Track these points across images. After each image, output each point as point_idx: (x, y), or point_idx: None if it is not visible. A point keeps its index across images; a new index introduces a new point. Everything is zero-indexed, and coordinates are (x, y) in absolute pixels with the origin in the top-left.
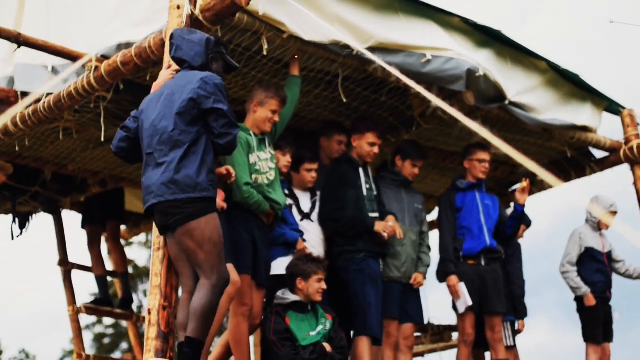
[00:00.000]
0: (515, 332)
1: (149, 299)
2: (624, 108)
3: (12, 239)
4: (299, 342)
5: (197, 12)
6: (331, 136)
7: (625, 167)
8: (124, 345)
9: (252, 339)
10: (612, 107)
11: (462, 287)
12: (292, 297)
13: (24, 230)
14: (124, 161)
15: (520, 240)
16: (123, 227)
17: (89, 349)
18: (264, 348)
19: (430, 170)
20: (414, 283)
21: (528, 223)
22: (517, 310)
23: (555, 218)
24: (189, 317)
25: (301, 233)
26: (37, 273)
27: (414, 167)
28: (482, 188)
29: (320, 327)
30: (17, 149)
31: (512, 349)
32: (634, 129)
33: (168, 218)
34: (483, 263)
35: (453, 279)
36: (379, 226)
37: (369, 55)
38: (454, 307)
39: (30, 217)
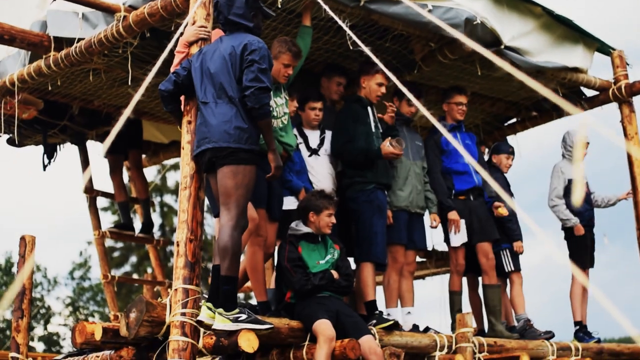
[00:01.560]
0: (515, 256)
1: (177, 233)
2: (614, 49)
3: (44, 169)
4: (309, 269)
5: None
6: (331, 77)
7: (614, 105)
8: (133, 259)
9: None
10: (603, 48)
11: (462, 224)
12: (305, 229)
13: (52, 160)
14: (163, 102)
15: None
16: (143, 156)
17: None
18: (278, 273)
19: (432, 106)
20: (434, 224)
21: (508, 150)
22: (509, 236)
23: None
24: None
25: (307, 183)
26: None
27: (410, 106)
28: (461, 129)
29: (328, 257)
30: (49, 87)
31: (515, 272)
32: (622, 70)
33: (222, 160)
34: (472, 198)
35: (454, 214)
36: (385, 150)
37: (375, 5)
38: (446, 240)
39: (57, 148)
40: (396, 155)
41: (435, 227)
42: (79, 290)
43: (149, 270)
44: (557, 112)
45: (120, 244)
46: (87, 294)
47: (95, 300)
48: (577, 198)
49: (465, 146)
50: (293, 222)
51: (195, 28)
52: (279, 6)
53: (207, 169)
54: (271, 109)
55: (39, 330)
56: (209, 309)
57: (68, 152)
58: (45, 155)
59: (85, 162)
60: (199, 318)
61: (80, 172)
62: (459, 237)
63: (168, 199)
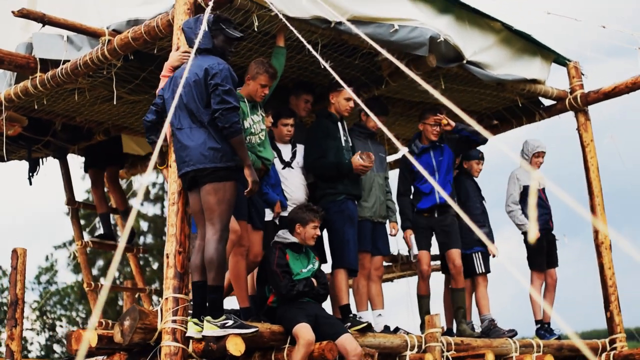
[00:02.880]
0: (486, 259)
1: (166, 246)
2: (570, 61)
3: (30, 184)
4: (294, 276)
5: (199, 0)
6: (299, 95)
7: (570, 114)
8: (100, 262)
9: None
10: (560, 60)
11: (412, 239)
12: (291, 238)
13: (34, 174)
14: (146, 132)
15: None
16: (122, 170)
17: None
18: (263, 278)
19: (398, 117)
20: (393, 232)
21: (478, 156)
22: (481, 241)
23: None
24: (202, 263)
25: (282, 196)
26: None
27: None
28: (436, 147)
29: (310, 266)
30: (35, 106)
31: (481, 275)
32: (578, 80)
33: (201, 179)
34: (436, 215)
35: (407, 232)
36: (355, 163)
37: (344, 27)
38: (408, 257)
39: (40, 162)
40: (366, 168)
41: (395, 235)
42: (46, 294)
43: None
44: (517, 120)
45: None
46: (54, 298)
47: (62, 304)
48: (532, 236)
49: (439, 162)
50: (280, 230)
51: (179, 53)
52: (255, 29)
53: (189, 187)
54: (248, 126)
55: (4, 335)
56: (196, 324)
57: (50, 165)
58: (29, 170)
59: (66, 175)
60: (187, 335)
61: (62, 185)
62: (412, 251)
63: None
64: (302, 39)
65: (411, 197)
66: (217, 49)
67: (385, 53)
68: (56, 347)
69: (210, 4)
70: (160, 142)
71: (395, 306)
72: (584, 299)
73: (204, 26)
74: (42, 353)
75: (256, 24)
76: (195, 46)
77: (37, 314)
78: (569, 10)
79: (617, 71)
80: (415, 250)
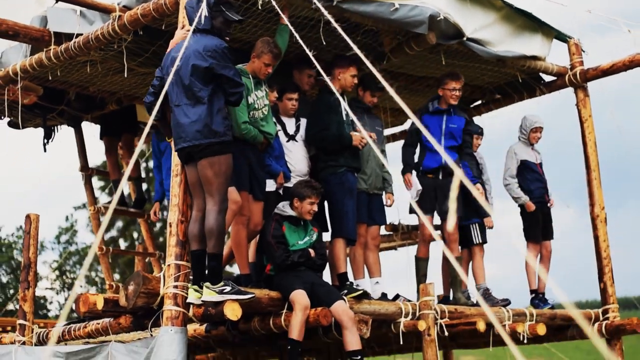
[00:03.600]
0: (483, 230)
1: (169, 215)
2: (571, 38)
3: (45, 150)
4: (290, 247)
5: None
6: (302, 70)
7: (570, 90)
8: (119, 224)
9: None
10: (561, 36)
11: (414, 178)
12: (289, 212)
13: (50, 140)
14: (149, 113)
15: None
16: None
17: (85, 227)
18: (261, 247)
19: (402, 91)
20: (389, 202)
21: (477, 130)
22: (479, 213)
23: None
24: (201, 232)
25: (285, 167)
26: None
27: (372, 97)
28: (450, 112)
29: (307, 238)
30: (49, 77)
31: (478, 245)
32: (578, 57)
33: (197, 154)
34: (440, 177)
35: (407, 175)
36: (356, 139)
37: (347, 5)
38: (413, 211)
39: (55, 130)
40: (365, 143)
41: (390, 205)
42: (66, 254)
43: (135, 235)
44: (518, 95)
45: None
46: (73, 258)
47: (81, 264)
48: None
49: (450, 129)
50: (280, 202)
51: (184, 31)
52: (259, 7)
53: (185, 161)
54: (252, 101)
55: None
56: (196, 290)
57: (65, 133)
58: (44, 137)
59: (81, 143)
60: (187, 300)
61: (77, 152)
62: (414, 190)
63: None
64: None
65: (417, 151)
66: (215, 30)
67: None
68: (68, 303)
69: None
70: (151, 120)
71: (399, 274)
72: (580, 269)
73: (203, 6)
74: (61, 312)
75: (260, 2)
76: (194, 25)
77: (57, 274)
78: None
79: (608, 50)
80: (418, 186)
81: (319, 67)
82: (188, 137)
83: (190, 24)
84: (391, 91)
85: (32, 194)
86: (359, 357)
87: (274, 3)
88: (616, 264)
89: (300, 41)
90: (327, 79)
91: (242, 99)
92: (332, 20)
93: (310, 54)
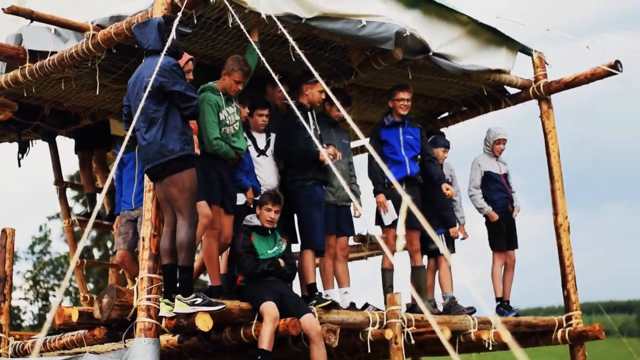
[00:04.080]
0: (449, 240)
1: (142, 229)
2: (535, 51)
3: (19, 165)
4: (259, 257)
5: (176, 0)
6: (275, 85)
7: (534, 102)
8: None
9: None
10: (525, 50)
11: (389, 204)
12: (256, 222)
13: (24, 155)
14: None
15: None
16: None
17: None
18: (232, 259)
19: (370, 104)
20: (357, 214)
21: (444, 144)
22: (444, 223)
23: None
24: (171, 247)
25: (255, 182)
26: None
27: (338, 111)
28: (405, 124)
29: (276, 248)
30: (24, 93)
31: (444, 255)
32: (542, 69)
33: (159, 173)
34: (404, 187)
35: (381, 196)
36: (323, 155)
37: (315, 22)
38: (379, 222)
39: (29, 145)
40: (331, 159)
41: (358, 216)
42: (40, 265)
43: (108, 244)
44: (484, 107)
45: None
46: (47, 268)
47: (55, 274)
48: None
49: (407, 140)
50: (248, 215)
51: None
52: (230, 25)
53: (153, 180)
54: (223, 118)
55: None
56: (167, 304)
57: (40, 147)
58: (19, 152)
59: (55, 157)
60: (160, 314)
61: (51, 166)
62: (389, 216)
63: None
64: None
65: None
66: (169, 49)
67: None
68: (49, 317)
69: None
70: (121, 151)
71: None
72: (550, 276)
73: (172, 32)
74: (35, 322)
75: (231, 20)
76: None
77: (31, 284)
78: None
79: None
80: (393, 215)
81: (282, 87)
82: (149, 158)
83: (141, 48)
84: (343, 111)
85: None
86: None
87: (241, 25)
88: (592, 269)
89: (267, 65)
90: (289, 98)
91: (197, 112)
92: (295, 45)
93: (274, 74)
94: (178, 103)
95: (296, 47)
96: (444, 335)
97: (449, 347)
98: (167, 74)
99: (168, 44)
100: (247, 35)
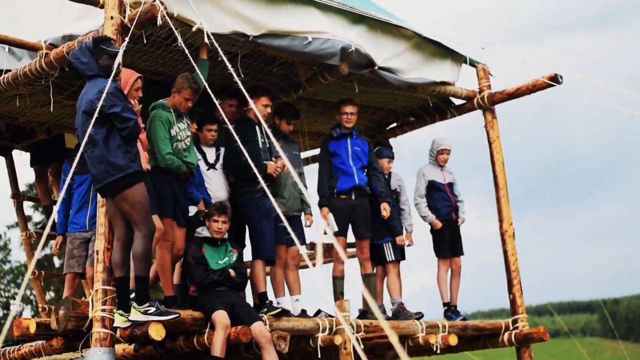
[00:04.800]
0: (396, 248)
1: (96, 243)
2: (479, 63)
3: None
4: (210, 267)
5: (125, 20)
6: (224, 99)
7: (479, 112)
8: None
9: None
10: (470, 62)
11: (330, 217)
12: (206, 233)
13: None
14: None
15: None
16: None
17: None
18: (184, 269)
19: (319, 116)
20: (308, 223)
21: (388, 154)
22: (390, 232)
23: None
24: (123, 260)
25: (206, 194)
26: None
27: (288, 125)
28: (353, 136)
29: (226, 258)
30: None
31: (396, 262)
32: (486, 81)
33: (109, 192)
34: (353, 197)
35: (324, 210)
36: (270, 168)
37: (262, 40)
38: (325, 232)
39: None
40: (278, 172)
41: (309, 226)
42: (0, 273)
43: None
44: (430, 118)
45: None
46: (7, 277)
47: (15, 283)
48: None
49: (355, 151)
50: (199, 227)
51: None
52: (180, 43)
53: (104, 196)
54: (174, 134)
55: None
56: (121, 315)
57: None
58: None
59: (11, 171)
60: (114, 325)
61: (8, 179)
62: (329, 228)
63: None
64: (223, 56)
65: (331, 178)
66: (103, 69)
67: None
68: (4, 330)
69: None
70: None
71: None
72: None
73: (118, 58)
74: None
75: (179, 38)
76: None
77: None
78: (451, 32)
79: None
80: (334, 227)
81: (217, 103)
82: (97, 178)
83: (79, 74)
84: (256, 110)
85: None
86: None
87: (185, 48)
88: (548, 270)
89: (207, 87)
90: (222, 112)
91: (135, 132)
92: (234, 73)
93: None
94: (116, 124)
95: (232, 71)
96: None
97: (399, 348)
98: (106, 97)
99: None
100: (191, 57)
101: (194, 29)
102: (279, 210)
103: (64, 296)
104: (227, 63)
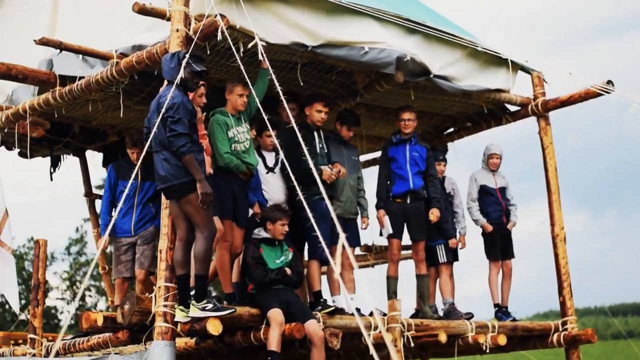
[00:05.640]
0: (448, 250)
1: (160, 242)
2: (534, 71)
3: (51, 179)
4: (268, 266)
5: (190, 33)
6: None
7: (533, 119)
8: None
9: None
10: (525, 69)
11: (386, 219)
12: (264, 234)
13: (56, 169)
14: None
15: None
16: None
17: None
18: (243, 269)
19: (378, 121)
20: (364, 226)
21: (439, 157)
22: (443, 234)
23: None
24: (184, 258)
25: (261, 197)
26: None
27: (349, 131)
28: (412, 141)
29: (282, 257)
30: (55, 114)
31: (448, 264)
32: (540, 88)
33: (174, 193)
34: (408, 201)
35: (381, 212)
36: (325, 174)
37: (321, 49)
38: (381, 234)
39: (61, 159)
40: (333, 179)
41: (365, 228)
42: (76, 265)
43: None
44: (486, 124)
45: None
46: (83, 269)
47: (91, 275)
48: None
49: (413, 156)
50: (256, 228)
51: None
52: (241, 54)
53: (167, 197)
54: (232, 135)
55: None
56: (181, 310)
57: (70, 162)
58: (51, 166)
59: (85, 170)
60: (175, 320)
61: (81, 179)
62: (385, 230)
63: None
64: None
65: (388, 182)
66: (182, 81)
67: None
68: (64, 324)
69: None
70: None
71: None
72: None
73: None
74: (72, 322)
75: (242, 49)
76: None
77: (67, 284)
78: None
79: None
80: (389, 229)
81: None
82: (163, 178)
83: (164, 76)
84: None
85: (40, 206)
86: None
87: (240, 63)
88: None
89: (278, 87)
90: (288, 110)
91: (187, 151)
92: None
93: (284, 99)
94: (169, 136)
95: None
96: (440, 339)
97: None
98: (172, 111)
99: (178, 78)
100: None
101: (250, 45)
102: (333, 215)
103: (115, 302)
104: (272, 74)
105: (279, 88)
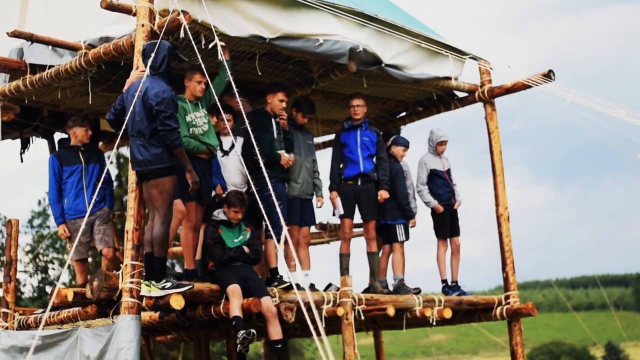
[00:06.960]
0: (407, 230)
1: (126, 223)
2: (481, 59)
3: (22, 161)
4: (227, 245)
5: (155, 27)
6: (240, 95)
7: (480, 105)
8: None
9: None
10: (472, 57)
11: (338, 200)
12: (222, 216)
13: (25, 150)
14: (110, 124)
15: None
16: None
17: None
18: (203, 249)
19: (334, 106)
20: (319, 205)
21: (404, 143)
22: (405, 215)
23: None
24: (151, 240)
25: (222, 180)
26: None
27: (304, 118)
28: (362, 127)
29: (241, 237)
30: (25, 99)
31: (399, 242)
32: (487, 76)
33: (146, 176)
34: (359, 183)
35: (333, 194)
36: (283, 159)
37: (277, 41)
38: (334, 214)
39: (30, 141)
40: (289, 165)
41: (320, 207)
42: (38, 237)
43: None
44: (436, 109)
45: None
46: (46, 242)
47: (54, 248)
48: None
49: (363, 141)
50: (216, 210)
51: (138, 72)
52: (202, 46)
53: (140, 180)
54: (190, 120)
55: None
56: (147, 285)
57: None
58: (21, 148)
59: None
60: (140, 294)
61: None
62: (337, 211)
63: (124, 150)
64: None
65: (341, 166)
66: (168, 71)
67: None
68: (48, 289)
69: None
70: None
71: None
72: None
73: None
74: (35, 294)
75: (203, 42)
76: (148, 66)
77: (30, 257)
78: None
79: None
80: (340, 210)
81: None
82: (140, 163)
83: (145, 64)
84: (240, 103)
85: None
86: (279, 345)
87: (198, 54)
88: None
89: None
90: (240, 105)
91: (179, 144)
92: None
93: (235, 90)
94: (160, 129)
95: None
96: (389, 312)
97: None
98: (164, 103)
99: (156, 63)
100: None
101: (210, 45)
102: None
103: (77, 282)
104: (230, 76)
105: (236, 91)
